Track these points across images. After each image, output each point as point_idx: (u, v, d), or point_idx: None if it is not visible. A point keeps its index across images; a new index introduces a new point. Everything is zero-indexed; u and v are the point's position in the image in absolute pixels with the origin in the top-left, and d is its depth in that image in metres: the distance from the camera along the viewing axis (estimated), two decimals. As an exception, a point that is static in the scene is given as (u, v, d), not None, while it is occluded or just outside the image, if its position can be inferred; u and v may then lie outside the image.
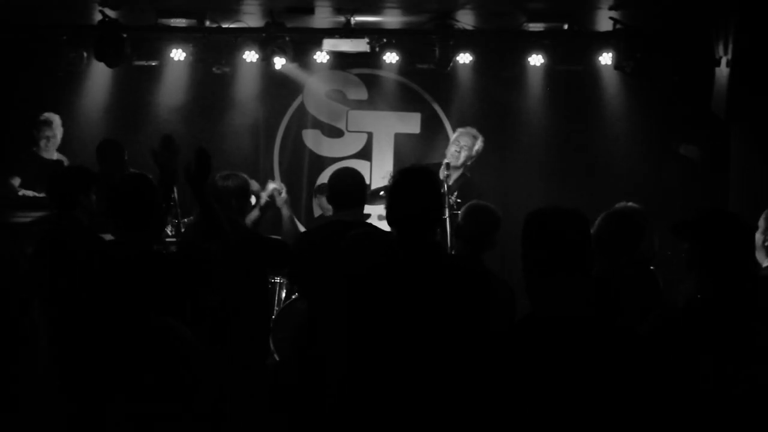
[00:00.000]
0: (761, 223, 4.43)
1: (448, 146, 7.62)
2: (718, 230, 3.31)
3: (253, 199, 5.76)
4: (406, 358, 3.32)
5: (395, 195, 3.52)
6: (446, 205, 6.66)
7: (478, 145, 7.53)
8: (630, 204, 5.07)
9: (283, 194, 5.85)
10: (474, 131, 7.61)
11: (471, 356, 3.22)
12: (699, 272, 3.32)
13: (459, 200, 6.86)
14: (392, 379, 3.32)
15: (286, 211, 5.72)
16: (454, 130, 9.11)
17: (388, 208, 3.52)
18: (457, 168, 7.38)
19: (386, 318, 3.37)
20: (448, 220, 6.66)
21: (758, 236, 4.33)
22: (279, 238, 5.68)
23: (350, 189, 4.84)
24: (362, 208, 4.93)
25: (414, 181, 3.52)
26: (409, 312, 3.34)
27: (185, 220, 6.83)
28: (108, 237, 6.51)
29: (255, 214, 5.84)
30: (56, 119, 8.00)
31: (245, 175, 5.35)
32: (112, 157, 7.33)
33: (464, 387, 3.18)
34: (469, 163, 7.51)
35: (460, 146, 7.47)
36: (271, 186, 5.89)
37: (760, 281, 4.00)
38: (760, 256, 4.38)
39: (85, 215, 5.14)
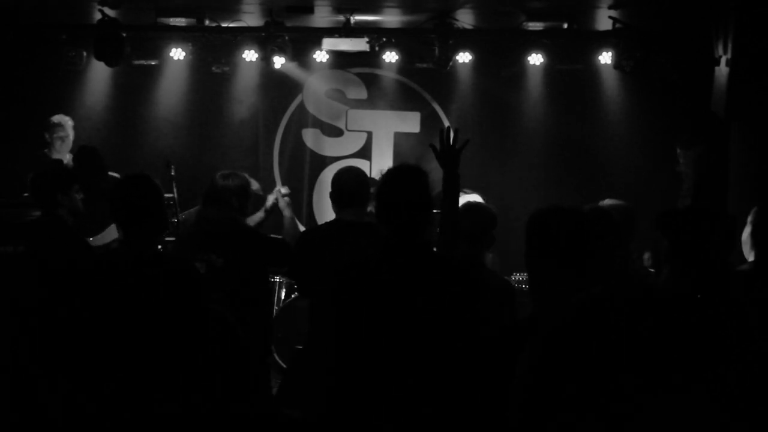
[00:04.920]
0: (750, 218, 4.41)
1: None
2: (693, 225, 3.31)
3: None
4: (391, 353, 3.32)
5: (383, 193, 3.52)
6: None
7: None
8: (606, 201, 5.04)
9: (286, 197, 5.84)
10: None
11: (461, 353, 3.22)
12: (673, 267, 3.32)
13: None
14: (379, 375, 3.32)
15: (288, 213, 5.71)
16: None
17: (377, 208, 3.52)
18: None
19: (372, 312, 3.36)
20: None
21: (746, 231, 4.31)
22: (280, 237, 5.67)
23: (353, 188, 4.83)
24: (365, 208, 4.92)
25: (402, 180, 3.51)
26: (394, 307, 3.34)
27: (183, 215, 6.85)
28: (95, 239, 6.55)
29: (259, 215, 5.85)
30: (68, 121, 8.02)
31: (246, 175, 5.35)
32: (89, 163, 7.27)
33: (454, 384, 3.18)
34: None
35: None
36: (283, 190, 5.86)
37: (742, 275, 4.00)
38: (746, 250, 4.37)
39: (68, 215, 5.12)
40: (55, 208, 5.03)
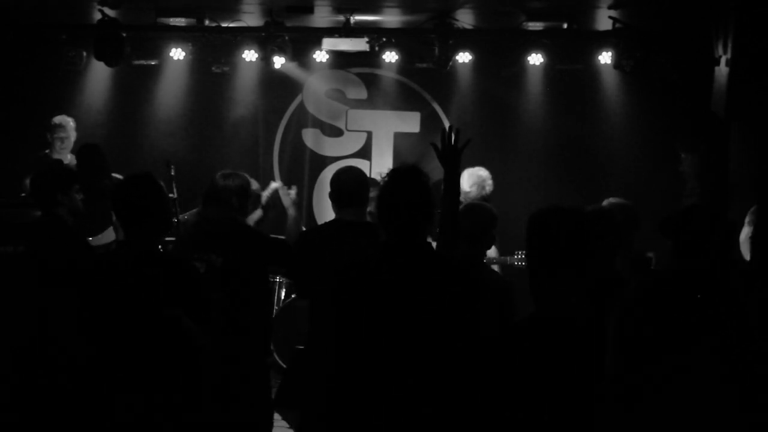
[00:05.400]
0: (748, 218, 4.43)
1: (469, 182, 7.37)
2: (694, 226, 3.34)
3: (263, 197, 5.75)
4: (391, 353, 3.31)
5: (385, 195, 3.51)
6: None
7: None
8: (611, 199, 5.05)
9: (292, 194, 5.80)
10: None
11: (461, 352, 3.22)
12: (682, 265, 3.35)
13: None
14: (379, 375, 3.32)
15: (292, 212, 5.65)
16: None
17: (378, 209, 3.52)
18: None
19: (372, 312, 3.36)
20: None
21: (745, 230, 4.33)
22: (281, 237, 5.66)
23: (352, 188, 4.83)
24: (364, 208, 4.92)
25: (404, 181, 3.51)
26: (394, 307, 3.34)
27: (185, 215, 6.86)
28: (94, 240, 6.55)
29: (257, 213, 5.82)
30: (70, 122, 8.04)
31: (246, 175, 5.35)
32: (90, 162, 7.26)
33: (454, 384, 3.19)
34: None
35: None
36: (273, 185, 5.85)
37: (742, 275, 4.02)
38: (744, 249, 4.39)
39: (68, 215, 5.11)
40: (54, 208, 5.02)
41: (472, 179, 7.31)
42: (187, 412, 3.03)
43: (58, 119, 7.99)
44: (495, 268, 6.81)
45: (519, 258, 7.05)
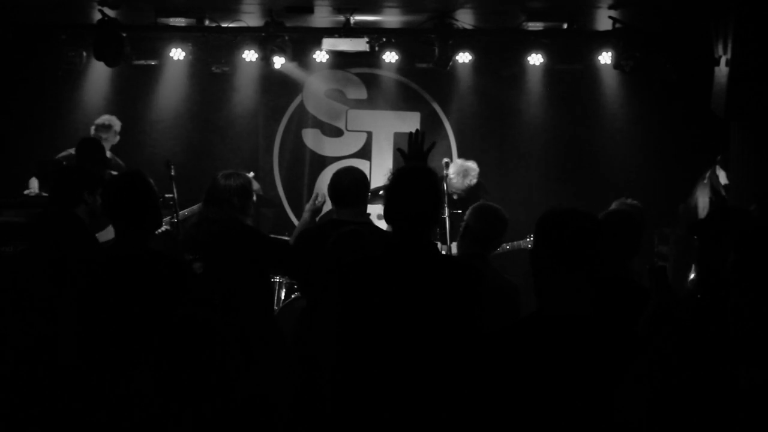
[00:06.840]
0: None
1: (454, 170, 7.79)
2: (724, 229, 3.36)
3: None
4: (394, 350, 3.32)
5: (393, 193, 3.52)
6: (445, 204, 6.68)
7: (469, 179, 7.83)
8: (628, 200, 5.06)
9: (319, 201, 5.71)
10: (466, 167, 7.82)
11: (462, 350, 3.23)
12: (701, 269, 3.37)
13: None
14: (382, 371, 3.33)
15: (306, 216, 5.62)
16: (453, 129, 9.13)
17: (385, 207, 3.52)
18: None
19: (375, 309, 3.37)
20: (447, 219, 6.68)
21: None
22: (282, 237, 5.66)
23: (351, 188, 4.84)
24: (363, 207, 4.93)
25: (412, 180, 3.52)
26: (397, 304, 3.34)
27: (185, 212, 6.86)
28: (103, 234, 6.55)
29: (304, 217, 5.66)
30: (115, 125, 8.11)
31: (248, 174, 5.35)
32: (90, 156, 7.27)
33: (456, 381, 3.19)
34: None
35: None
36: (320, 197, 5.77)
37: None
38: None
39: (87, 214, 5.12)
40: (76, 206, 5.04)
41: (456, 167, 7.80)
42: (214, 413, 3.04)
43: (106, 119, 8.07)
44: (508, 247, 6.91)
45: (530, 242, 7.09)
